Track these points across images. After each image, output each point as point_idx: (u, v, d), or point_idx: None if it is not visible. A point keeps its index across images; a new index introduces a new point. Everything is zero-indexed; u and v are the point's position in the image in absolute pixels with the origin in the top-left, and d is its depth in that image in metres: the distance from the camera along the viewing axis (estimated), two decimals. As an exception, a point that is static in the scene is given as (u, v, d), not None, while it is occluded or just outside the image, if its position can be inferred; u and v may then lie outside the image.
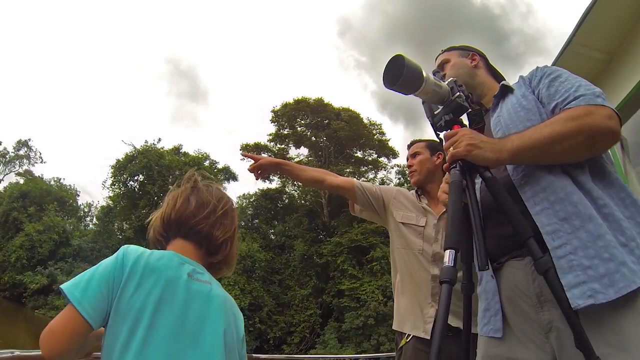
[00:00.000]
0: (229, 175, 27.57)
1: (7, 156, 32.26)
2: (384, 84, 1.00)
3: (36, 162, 33.03)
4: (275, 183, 29.99)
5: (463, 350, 1.02)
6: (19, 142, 32.66)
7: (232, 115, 64.96)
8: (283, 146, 29.98)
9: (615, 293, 0.78)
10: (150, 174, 24.60)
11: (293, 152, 30.71)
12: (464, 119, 1.12)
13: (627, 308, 0.78)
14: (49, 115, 59.72)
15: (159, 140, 26.03)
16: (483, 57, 1.32)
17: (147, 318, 0.80)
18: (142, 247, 0.92)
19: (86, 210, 29.99)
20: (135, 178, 25.07)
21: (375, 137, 27.83)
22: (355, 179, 1.99)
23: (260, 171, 1.85)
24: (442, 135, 1.06)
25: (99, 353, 0.82)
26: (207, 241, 0.99)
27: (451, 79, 1.10)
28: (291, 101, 27.93)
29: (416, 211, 1.83)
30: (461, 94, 1.06)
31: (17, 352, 1.22)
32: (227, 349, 0.88)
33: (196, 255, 0.97)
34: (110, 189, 26.75)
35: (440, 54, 1.34)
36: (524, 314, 0.93)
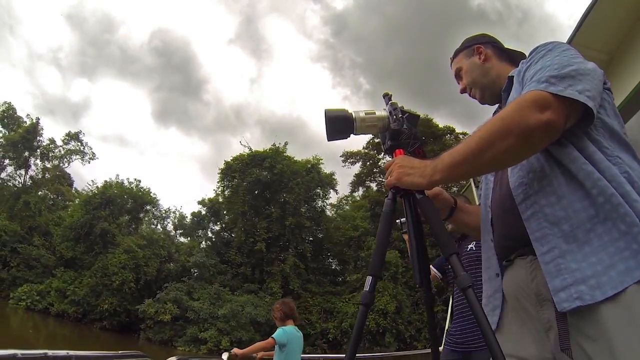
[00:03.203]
0: (330, 180, 25.48)
1: (56, 151, 25.25)
2: (327, 139, 1.05)
3: (91, 159, 26.50)
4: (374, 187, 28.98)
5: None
6: (68, 134, 25.80)
7: (225, 113, 60.15)
8: (378, 154, 29.10)
9: (601, 294, 0.76)
10: (283, 180, 21.57)
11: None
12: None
13: (615, 308, 0.75)
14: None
15: (286, 143, 22.76)
16: (490, 43, 1.16)
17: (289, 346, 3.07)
18: (287, 326, 3.11)
19: (179, 217, 24.84)
20: (257, 184, 21.71)
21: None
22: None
23: None
24: None
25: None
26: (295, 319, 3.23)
27: (390, 103, 1.08)
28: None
29: None
30: (396, 117, 1.04)
31: (18, 353, 1.23)
32: (299, 345, 3.11)
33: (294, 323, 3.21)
34: (222, 195, 22.97)
35: (451, 64, 1.22)
36: (527, 311, 0.91)
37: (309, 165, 23.17)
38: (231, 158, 22.93)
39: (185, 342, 18.19)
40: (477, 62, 1.14)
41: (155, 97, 55.20)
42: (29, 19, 48.24)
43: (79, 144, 25.85)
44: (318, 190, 23.70)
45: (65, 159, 25.72)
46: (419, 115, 1.10)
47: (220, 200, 23.95)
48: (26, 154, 23.86)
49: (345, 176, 31.06)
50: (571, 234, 0.82)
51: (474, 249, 2.37)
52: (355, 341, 0.88)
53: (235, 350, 3.01)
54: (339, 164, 30.20)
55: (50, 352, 1.46)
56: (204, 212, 24.23)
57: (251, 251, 21.64)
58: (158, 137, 56.53)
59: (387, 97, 1.09)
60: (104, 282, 19.51)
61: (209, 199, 24.44)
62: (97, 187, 22.73)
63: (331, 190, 24.62)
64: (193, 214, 24.42)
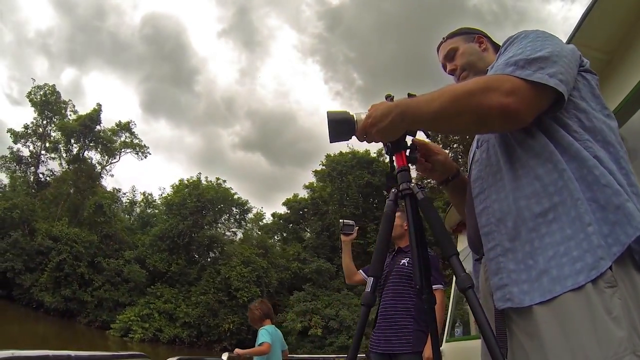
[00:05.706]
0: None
1: (110, 145, 19.31)
2: (330, 141, 1.02)
3: (144, 153, 21.20)
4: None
5: (434, 353, 1.07)
6: (118, 124, 20.02)
7: (216, 105, 54.69)
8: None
9: (529, 301, 0.74)
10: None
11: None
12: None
13: (546, 312, 0.73)
14: None
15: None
16: (489, 39, 1.14)
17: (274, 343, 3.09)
18: (272, 326, 3.21)
19: (259, 218, 21.68)
20: (367, 187, 20.83)
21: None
22: None
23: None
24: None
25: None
26: (272, 319, 3.29)
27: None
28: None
29: None
30: None
31: (17, 353, 1.25)
32: (280, 343, 3.19)
33: (272, 322, 3.27)
34: (324, 194, 21.31)
35: (442, 43, 1.15)
36: (490, 309, 0.87)
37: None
38: (325, 159, 21.76)
39: (333, 352, 16.92)
40: (476, 48, 1.10)
41: (145, 87, 47.34)
42: (18, 4, 39.97)
43: (130, 135, 20.54)
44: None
45: (117, 153, 20.40)
46: None
47: (302, 198, 22.43)
48: (74, 146, 18.26)
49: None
50: (514, 231, 0.80)
51: (407, 264, 2.31)
52: (357, 341, 0.88)
53: (237, 350, 3.05)
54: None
55: (51, 353, 1.46)
56: (289, 213, 22.41)
57: (358, 253, 21.01)
58: (147, 128, 48.97)
59: (389, 98, 1.02)
60: (220, 298, 16.78)
61: (288, 200, 22.66)
62: (177, 187, 19.01)
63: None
64: (277, 215, 22.35)
